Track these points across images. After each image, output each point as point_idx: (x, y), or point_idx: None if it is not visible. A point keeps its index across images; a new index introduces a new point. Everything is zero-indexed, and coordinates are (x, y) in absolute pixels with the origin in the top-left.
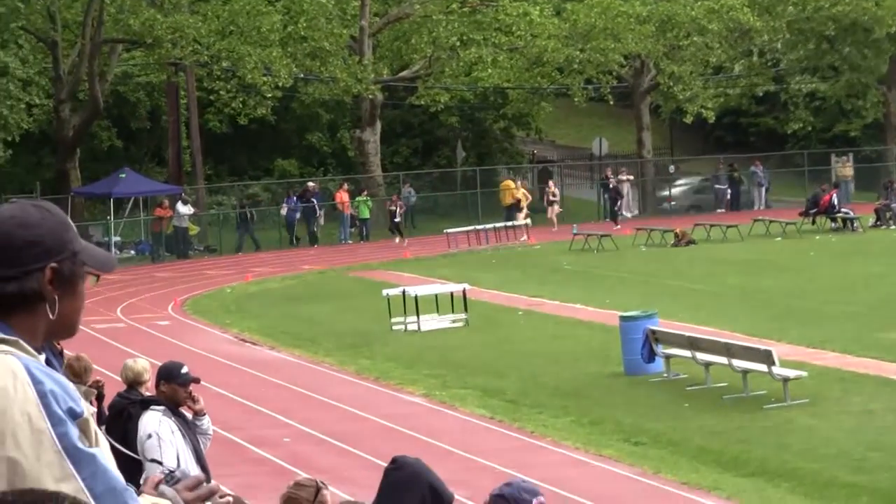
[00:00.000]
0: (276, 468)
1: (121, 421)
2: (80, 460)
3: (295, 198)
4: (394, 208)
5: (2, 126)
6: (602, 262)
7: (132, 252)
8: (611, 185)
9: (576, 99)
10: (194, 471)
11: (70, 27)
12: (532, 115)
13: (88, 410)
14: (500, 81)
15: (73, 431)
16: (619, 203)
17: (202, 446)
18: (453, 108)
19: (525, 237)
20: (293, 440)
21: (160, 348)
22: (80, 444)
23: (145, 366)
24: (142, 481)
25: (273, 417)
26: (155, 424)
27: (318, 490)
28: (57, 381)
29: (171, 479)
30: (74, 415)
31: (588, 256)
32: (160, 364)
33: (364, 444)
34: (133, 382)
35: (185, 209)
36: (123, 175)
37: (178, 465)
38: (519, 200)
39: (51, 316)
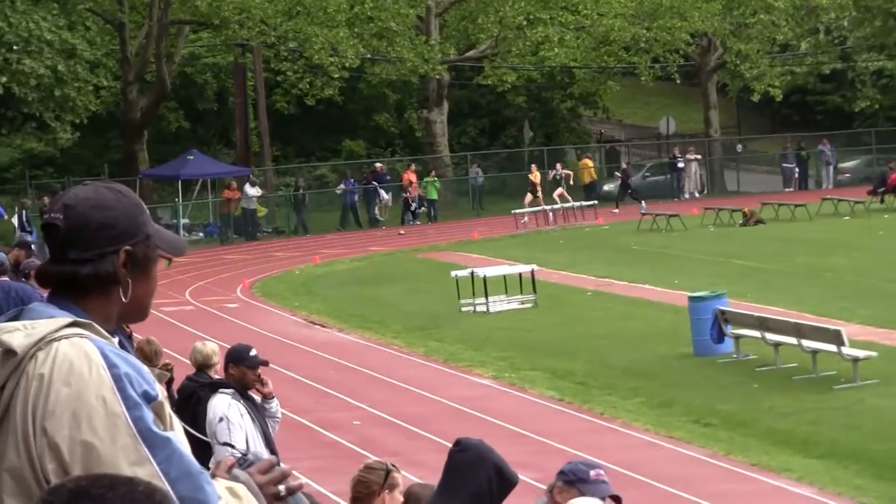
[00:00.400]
0: (346, 451)
1: (190, 404)
2: (155, 444)
3: (352, 180)
4: (407, 195)
5: (70, 108)
6: (670, 242)
7: (200, 234)
8: (622, 167)
9: (642, 78)
10: (264, 454)
11: (137, 8)
12: (599, 95)
13: (163, 394)
14: (567, 60)
15: (148, 415)
16: (629, 189)
17: (271, 430)
18: (520, 88)
19: (527, 221)
20: (363, 423)
21: (229, 331)
22: (154, 428)
23: (214, 349)
24: (211, 464)
25: (342, 400)
26: (224, 407)
27: (388, 472)
28: (132, 364)
29: (243, 462)
30: (149, 398)
31: (656, 236)
32: (229, 347)
33: (433, 427)
34: (202, 365)
35: (252, 191)
36: (191, 157)
37: (249, 448)
38: (532, 183)
39: (124, 299)
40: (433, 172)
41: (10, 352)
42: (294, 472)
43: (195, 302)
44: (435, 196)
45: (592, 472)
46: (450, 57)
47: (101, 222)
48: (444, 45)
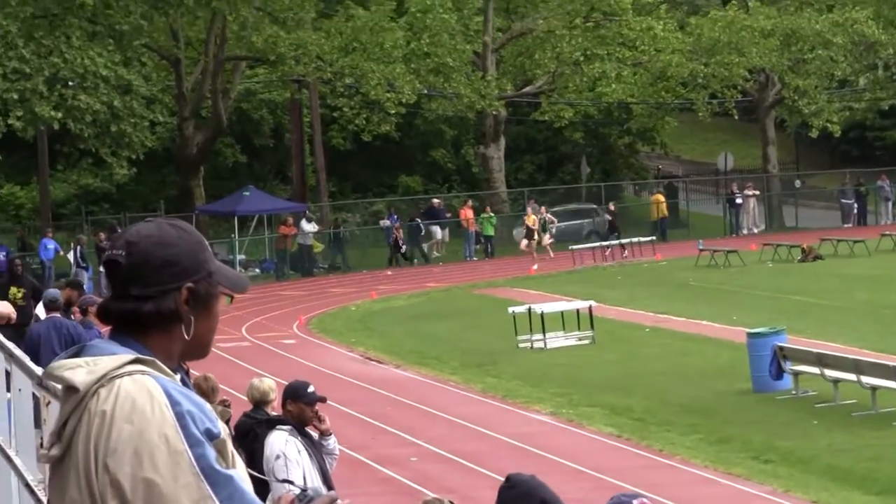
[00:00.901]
0: (403, 488)
1: (247, 441)
2: (218, 482)
3: (395, 216)
4: (395, 236)
5: (126, 144)
6: (728, 278)
7: (257, 270)
8: (609, 208)
9: (700, 113)
10: (323, 490)
11: (193, 45)
12: (656, 130)
13: (225, 431)
14: (625, 96)
15: (211, 453)
16: (615, 232)
17: (329, 466)
18: (577, 124)
19: (534, 265)
20: (420, 459)
21: (286, 367)
22: (217, 466)
23: (272, 385)
24: (269, 502)
25: (399, 436)
26: (281, 444)
27: None
28: (194, 402)
29: (303, 498)
30: (212, 436)
31: (714, 272)
32: (286, 383)
33: (490, 463)
34: (259, 402)
35: (309, 227)
36: (247, 193)
37: (307, 485)
38: (529, 227)
39: (186, 336)
40: (489, 208)
41: (72, 388)
42: None
43: (252, 338)
44: (492, 232)
45: (635, 502)
46: (507, 92)
47: (164, 259)
48: (500, 80)
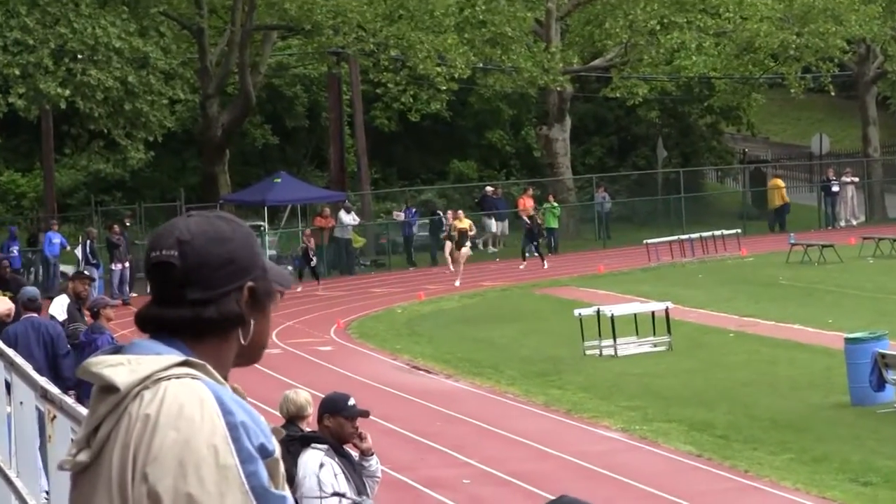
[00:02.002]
0: None
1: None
2: (269, 503)
3: (413, 209)
4: (305, 246)
5: (142, 124)
6: (824, 275)
7: (289, 268)
8: (530, 217)
9: (792, 90)
10: None
11: (218, 12)
12: (742, 109)
13: (279, 450)
14: (706, 70)
15: (263, 471)
16: (534, 240)
17: (370, 490)
18: (653, 102)
19: (458, 279)
20: (473, 482)
21: (322, 377)
22: (268, 486)
23: (308, 398)
24: None
25: (450, 456)
26: (315, 466)
27: None
28: (249, 414)
29: None
30: (266, 453)
31: (807, 270)
32: (323, 396)
33: (554, 486)
34: (294, 416)
35: (348, 218)
36: (278, 180)
37: (364, 499)
38: (465, 231)
39: (243, 341)
40: (553, 197)
41: (110, 388)
42: None
43: (283, 345)
44: (555, 224)
45: None
46: (573, 66)
47: (223, 257)
48: (566, 52)
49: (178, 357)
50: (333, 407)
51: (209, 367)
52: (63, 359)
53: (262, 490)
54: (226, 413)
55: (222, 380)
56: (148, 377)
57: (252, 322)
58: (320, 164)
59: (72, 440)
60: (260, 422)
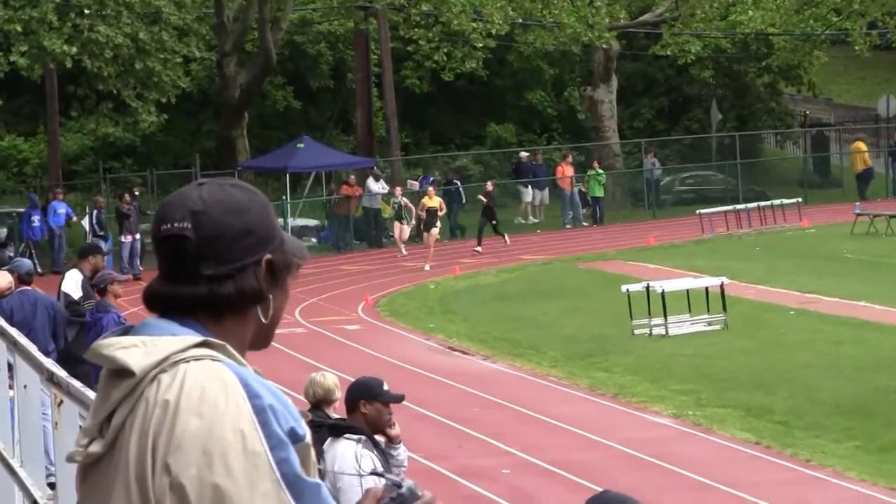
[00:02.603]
0: None
1: None
2: (303, 493)
3: (430, 177)
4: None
5: (154, 84)
6: (892, 248)
7: (313, 240)
8: (487, 193)
9: (857, 47)
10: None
11: None
12: (803, 68)
13: (310, 435)
14: (764, 26)
15: (295, 457)
16: (494, 219)
17: None
18: (706, 60)
19: (429, 264)
20: (513, 471)
21: (349, 358)
22: (301, 473)
23: (335, 382)
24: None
25: (488, 444)
26: (352, 460)
27: None
28: (277, 397)
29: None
30: (296, 438)
31: (874, 242)
32: (353, 380)
33: (600, 476)
34: (321, 401)
35: (377, 186)
36: (301, 145)
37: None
38: (435, 210)
39: (264, 319)
40: (598, 163)
41: (123, 372)
42: None
43: (307, 323)
44: (601, 193)
45: None
46: (619, 22)
47: (240, 229)
48: (612, 7)
49: (195, 337)
50: (370, 392)
51: (229, 347)
52: (63, 330)
53: (294, 478)
54: (252, 396)
55: (244, 361)
56: (165, 359)
57: (271, 298)
58: (346, 128)
59: (80, 428)
60: (288, 405)
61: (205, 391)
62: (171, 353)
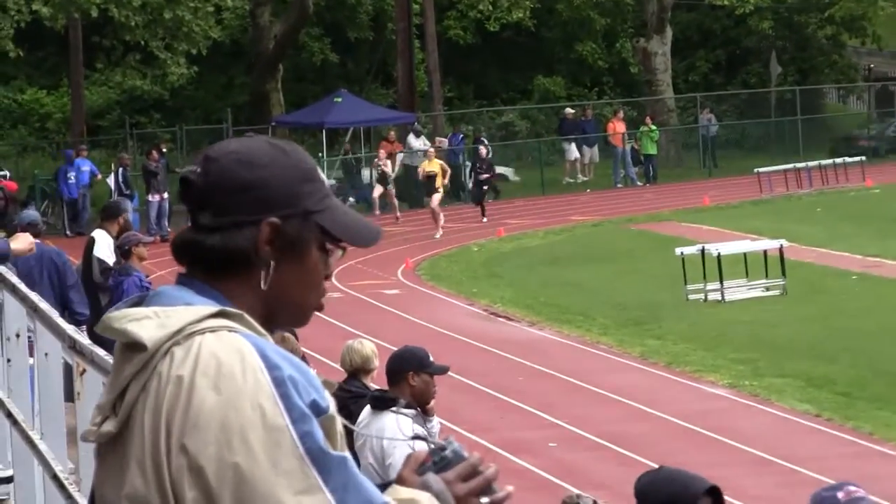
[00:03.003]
0: (539, 481)
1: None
2: (329, 467)
3: (460, 135)
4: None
5: (184, 35)
6: None
7: (351, 200)
8: (481, 154)
9: None
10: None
11: None
12: (868, 19)
13: (334, 406)
14: None
15: (319, 431)
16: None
17: None
18: (765, 10)
19: (438, 231)
20: (560, 445)
21: (388, 325)
22: (327, 447)
23: (374, 349)
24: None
25: (534, 415)
26: (410, 433)
27: None
28: (297, 367)
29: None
30: (319, 410)
31: None
32: (390, 347)
33: (651, 450)
34: (359, 370)
35: (418, 143)
36: (339, 99)
37: (450, 441)
38: (435, 175)
39: (262, 286)
40: (650, 119)
41: (135, 346)
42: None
43: (344, 287)
44: (653, 150)
45: (841, 494)
46: None
47: (244, 182)
48: None
49: (212, 307)
50: (420, 363)
51: (247, 317)
52: (71, 290)
53: (319, 453)
54: (270, 368)
55: (263, 331)
56: (179, 331)
57: (274, 267)
58: (386, 82)
59: (96, 407)
60: (309, 375)
61: (221, 364)
62: (186, 324)
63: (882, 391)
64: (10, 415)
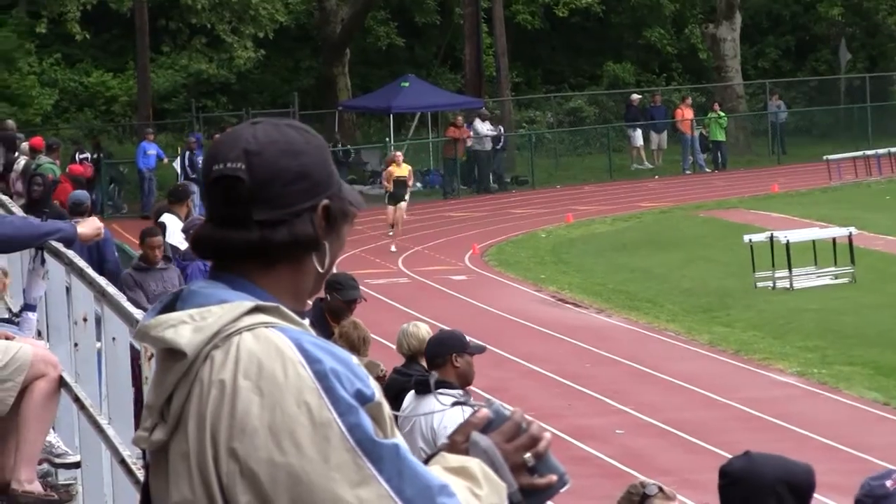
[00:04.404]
0: (606, 468)
1: (398, 406)
2: (381, 456)
3: (487, 120)
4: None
5: (251, 19)
6: None
7: (418, 185)
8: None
9: None
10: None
11: None
12: None
13: (379, 392)
14: None
15: (367, 420)
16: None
17: None
18: None
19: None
20: (627, 432)
21: (455, 310)
22: (376, 437)
23: (429, 332)
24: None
25: (601, 402)
26: (460, 419)
27: (644, 498)
28: (337, 357)
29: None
30: (364, 398)
31: None
32: (436, 335)
33: (719, 437)
34: (416, 353)
35: (486, 128)
36: (406, 84)
37: (490, 403)
38: (404, 180)
39: (320, 269)
40: (718, 105)
41: (176, 352)
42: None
43: (411, 272)
44: (722, 137)
45: (889, 483)
46: None
47: (296, 172)
48: None
49: (247, 303)
50: (462, 345)
51: (283, 308)
52: (106, 264)
53: (370, 443)
54: (311, 362)
55: (300, 320)
56: (217, 334)
57: (327, 246)
58: (454, 66)
59: (145, 408)
60: (351, 364)
61: (262, 365)
62: (223, 325)
63: None
64: (77, 399)
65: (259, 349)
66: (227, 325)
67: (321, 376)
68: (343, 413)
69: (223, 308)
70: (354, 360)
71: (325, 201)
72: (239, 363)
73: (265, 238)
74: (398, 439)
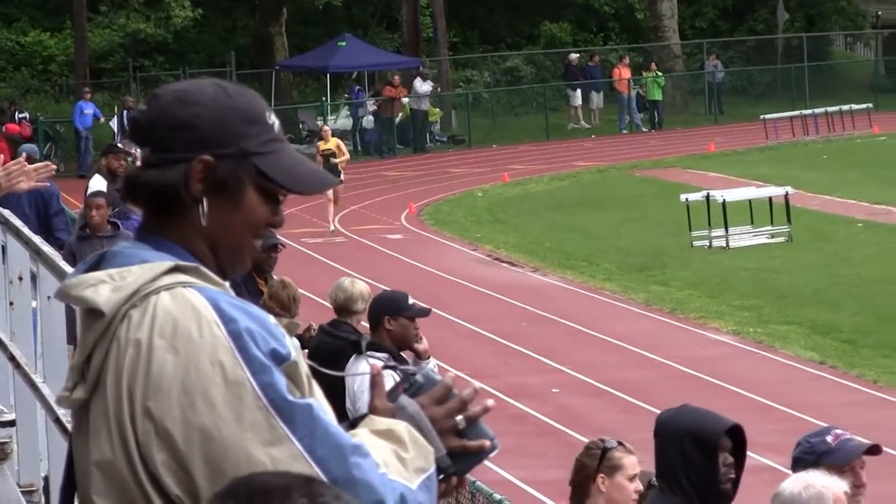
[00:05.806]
0: (542, 427)
1: (333, 369)
2: (294, 416)
3: (358, 87)
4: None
5: None
6: None
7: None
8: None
9: None
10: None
11: None
12: None
13: (296, 350)
14: None
15: (280, 379)
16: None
17: None
18: None
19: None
20: (563, 391)
21: (391, 269)
22: (290, 396)
23: (364, 291)
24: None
25: (537, 361)
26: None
27: (604, 452)
28: (253, 316)
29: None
30: (279, 358)
31: None
32: (376, 296)
33: (655, 396)
34: (342, 308)
35: (423, 87)
36: (343, 43)
37: (420, 366)
38: (332, 154)
39: (202, 222)
40: (656, 65)
41: (96, 312)
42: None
43: (347, 231)
44: (659, 96)
45: (830, 437)
46: None
47: (181, 120)
48: None
49: (167, 262)
50: (395, 307)
51: (203, 268)
52: (55, 218)
53: (283, 402)
54: (226, 321)
55: (221, 281)
56: (135, 293)
57: (207, 204)
58: (390, 26)
59: (69, 368)
60: (267, 323)
61: (177, 324)
62: (141, 284)
63: (886, 339)
64: (12, 358)
65: (175, 308)
66: (145, 284)
67: (235, 335)
68: (256, 372)
69: (143, 268)
70: (271, 319)
71: (207, 157)
72: (155, 322)
73: (137, 176)
74: (313, 399)
